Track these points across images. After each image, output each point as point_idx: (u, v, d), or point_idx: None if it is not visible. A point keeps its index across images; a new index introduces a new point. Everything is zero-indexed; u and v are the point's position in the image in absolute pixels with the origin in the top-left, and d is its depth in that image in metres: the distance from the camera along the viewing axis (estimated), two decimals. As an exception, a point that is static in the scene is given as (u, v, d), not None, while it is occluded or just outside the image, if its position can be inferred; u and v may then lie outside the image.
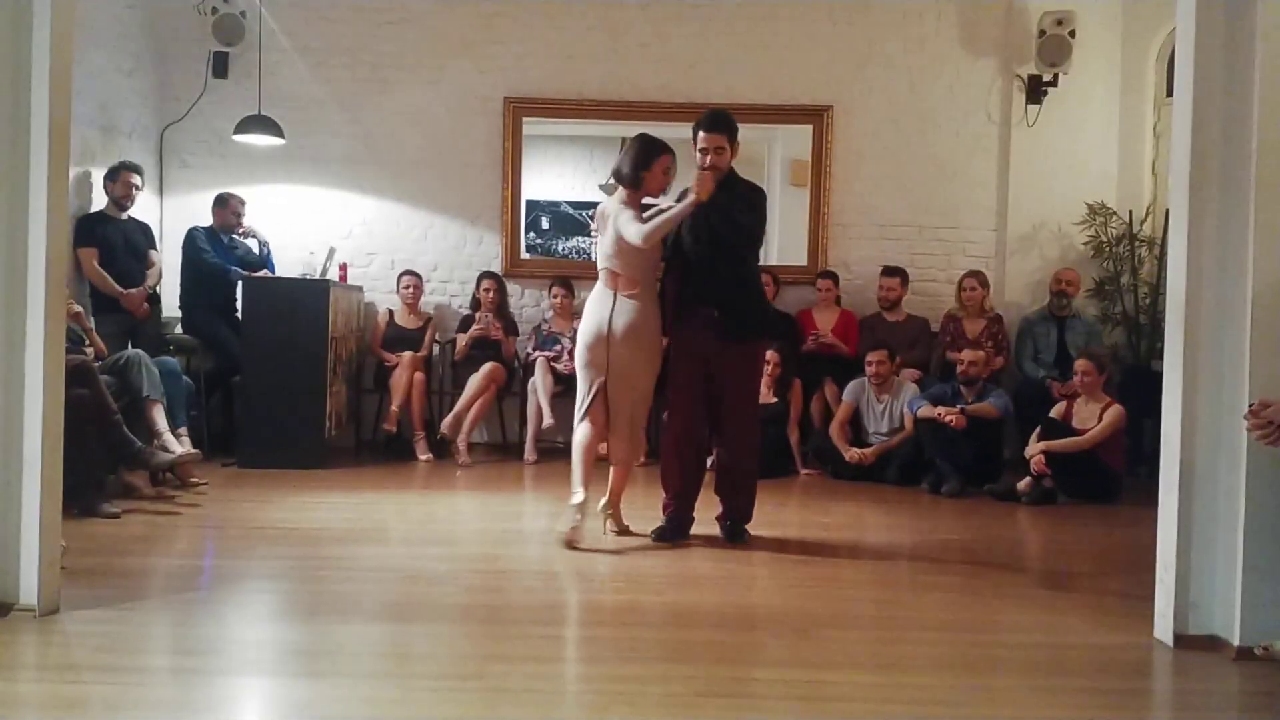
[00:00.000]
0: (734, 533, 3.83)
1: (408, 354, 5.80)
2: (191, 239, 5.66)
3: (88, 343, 4.46)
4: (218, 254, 5.69)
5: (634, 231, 3.60)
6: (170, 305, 5.79)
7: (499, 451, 6.04)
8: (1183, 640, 2.70)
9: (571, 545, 3.61)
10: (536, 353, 5.91)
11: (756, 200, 3.73)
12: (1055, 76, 6.10)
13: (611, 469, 3.85)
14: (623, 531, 3.85)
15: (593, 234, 3.77)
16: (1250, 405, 2.54)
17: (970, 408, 5.08)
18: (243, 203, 5.88)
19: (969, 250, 6.28)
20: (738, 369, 3.74)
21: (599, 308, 3.73)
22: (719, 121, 3.69)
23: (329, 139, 6.22)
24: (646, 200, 3.79)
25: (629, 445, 3.79)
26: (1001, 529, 4.37)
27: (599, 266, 3.81)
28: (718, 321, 3.66)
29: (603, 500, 3.85)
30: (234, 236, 5.84)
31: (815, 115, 6.26)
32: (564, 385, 5.83)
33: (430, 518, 4.36)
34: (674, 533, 3.79)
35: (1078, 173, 6.18)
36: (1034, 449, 4.86)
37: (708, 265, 3.67)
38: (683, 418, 3.78)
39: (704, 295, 3.68)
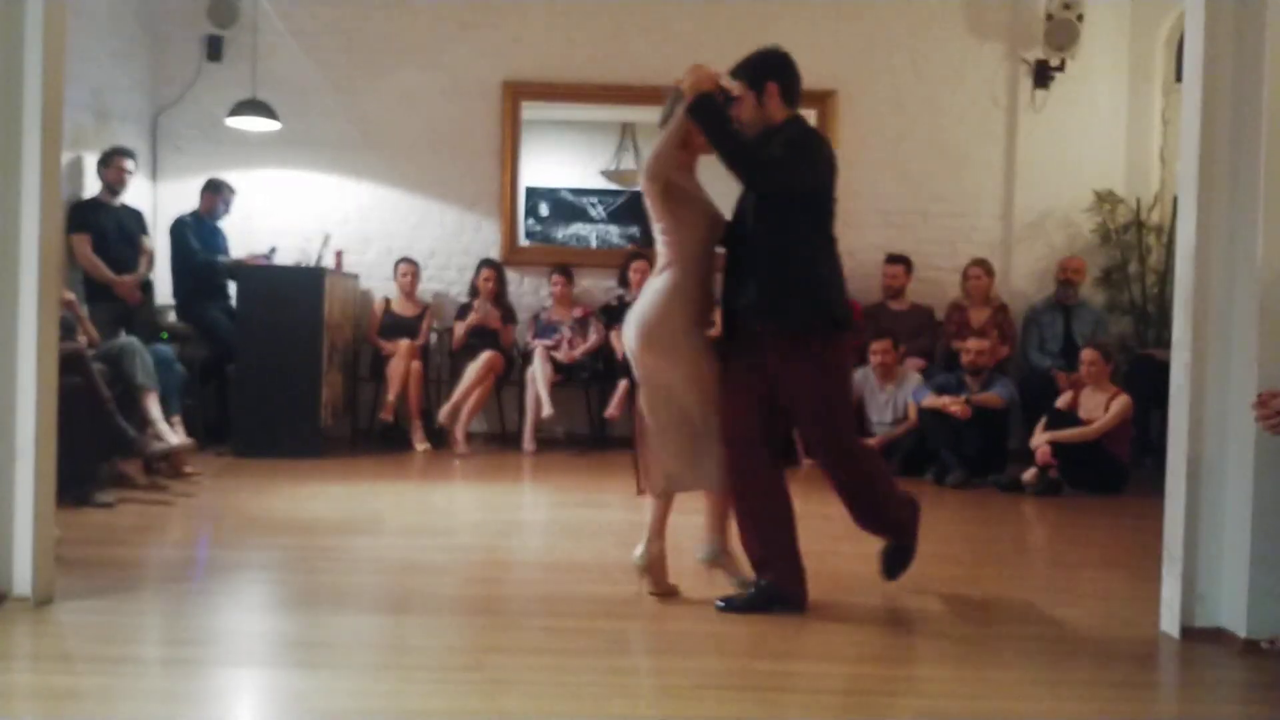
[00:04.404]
0: (891, 562, 3.01)
1: (405, 342, 5.76)
2: (180, 232, 5.62)
3: (80, 330, 4.42)
4: (204, 242, 5.66)
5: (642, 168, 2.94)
6: (164, 293, 5.75)
7: (497, 441, 6.00)
8: (1189, 633, 2.68)
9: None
10: (535, 341, 5.87)
11: (798, 139, 2.84)
12: (1062, 61, 6.05)
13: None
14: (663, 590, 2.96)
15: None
16: (1259, 395, 2.50)
17: (975, 397, 5.05)
18: (233, 192, 5.86)
19: (974, 237, 6.23)
20: (796, 374, 2.81)
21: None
22: (737, 67, 2.93)
23: (324, 123, 6.16)
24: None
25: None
26: (1006, 520, 4.35)
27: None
28: (751, 308, 2.83)
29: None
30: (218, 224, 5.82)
31: (819, 100, 6.19)
32: (563, 374, 5.80)
33: (427, 508, 4.33)
34: (758, 603, 2.83)
35: (1085, 159, 6.14)
36: (1039, 439, 4.83)
37: (749, 236, 2.87)
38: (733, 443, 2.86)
39: (742, 277, 2.87)
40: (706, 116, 2.80)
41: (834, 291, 2.86)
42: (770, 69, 2.91)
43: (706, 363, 2.88)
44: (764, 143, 2.85)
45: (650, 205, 2.90)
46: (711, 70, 2.86)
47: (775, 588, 2.84)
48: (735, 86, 2.90)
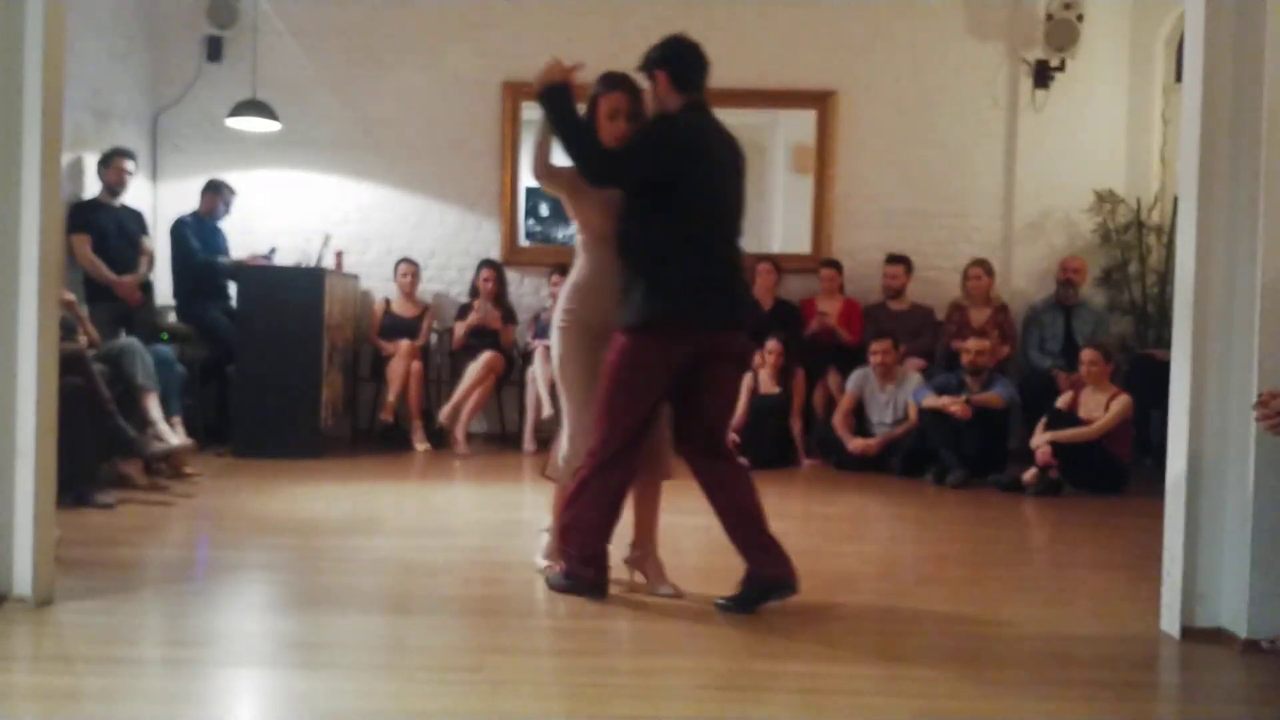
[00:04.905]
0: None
1: (405, 342, 5.76)
2: (180, 233, 5.63)
3: (81, 331, 4.42)
4: (204, 243, 5.66)
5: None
6: (164, 293, 5.75)
7: (497, 441, 6.00)
8: (1189, 633, 2.67)
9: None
10: (535, 341, 5.87)
11: (648, 128, 2.81)
12: (1062, 61, 6.05)
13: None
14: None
15: None
16: (1259, 395, 2.50)
17: (975, 398, 5.04)
18: (233, 193, 5.87)
19: (974, 238, 6.23)
20: None
21: None
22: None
23: (324, 123, 6.16)
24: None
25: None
26: (1006, 520, 4.34)
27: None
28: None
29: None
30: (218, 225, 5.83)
31: (819, 100, 6.19)
32: (564, 374, 5.79)
33: (428, 508, 4.33)
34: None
35: (1085, 159, 6.13)
36: (1040, 439, 4.82)
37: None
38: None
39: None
40: (549, 105, 2.79)
41: (670, 289, 2.71)
42: (659, 58, 2.86)
43: (575, 357, 2.88)
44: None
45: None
46: (565, 64, 2.83)
47: (762, 577, 2.80)
48: (641, 78, 2.91)
